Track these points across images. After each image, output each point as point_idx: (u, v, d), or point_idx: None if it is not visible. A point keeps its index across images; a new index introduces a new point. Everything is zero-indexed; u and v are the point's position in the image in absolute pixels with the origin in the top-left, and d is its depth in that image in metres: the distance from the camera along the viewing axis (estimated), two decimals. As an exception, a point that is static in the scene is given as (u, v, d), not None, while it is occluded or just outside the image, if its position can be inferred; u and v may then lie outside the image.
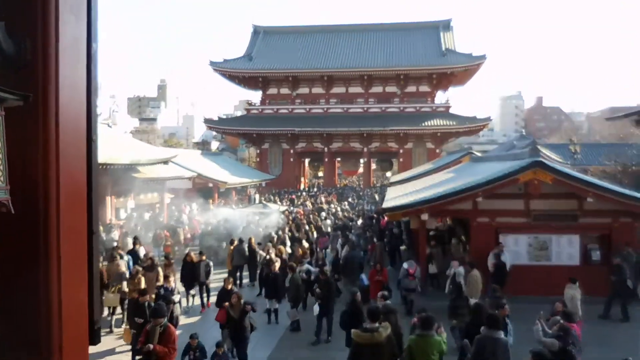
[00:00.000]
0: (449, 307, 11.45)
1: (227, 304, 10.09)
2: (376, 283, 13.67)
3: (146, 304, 10.14)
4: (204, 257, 14.54)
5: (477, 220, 15.37)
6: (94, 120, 2.28)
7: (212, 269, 14.50)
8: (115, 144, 22.10)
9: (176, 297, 11.49)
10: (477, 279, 13.02)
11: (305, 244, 18.15)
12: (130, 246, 16.89)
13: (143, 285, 12.29)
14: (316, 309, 11.87)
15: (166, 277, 12.01)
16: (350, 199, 38.60)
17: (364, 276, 14.84)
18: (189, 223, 25.19)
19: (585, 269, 14.77)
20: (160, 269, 13.27)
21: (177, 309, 11.31)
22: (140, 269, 12.88)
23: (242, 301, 9.98)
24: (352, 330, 7.08)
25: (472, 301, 12.05)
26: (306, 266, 14.10)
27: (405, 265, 15.07)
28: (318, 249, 21.82)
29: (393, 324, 7.60)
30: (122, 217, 24.26)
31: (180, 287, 13.52)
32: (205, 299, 14.55)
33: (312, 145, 52.41)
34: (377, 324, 6.97)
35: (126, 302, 12.13)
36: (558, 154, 46.48)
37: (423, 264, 15.70)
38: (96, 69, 2.28)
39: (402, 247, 18.23)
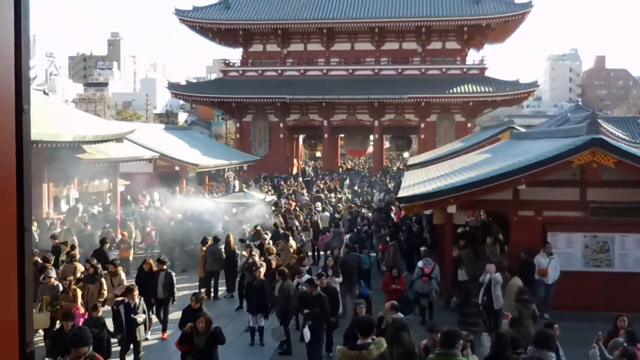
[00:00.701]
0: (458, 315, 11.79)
1: (190, 327, 9.70)
2: (392, 293, 13.82)
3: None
4: (164, 266, 14.09)
5: (519, 215, 15.44)
6: (25, 85, 2.25)
7: (174, 281, 14.01)
8: (53, 116, 22.00)
9: (140, 317, 11.30)
10: (518, 290, 13.09)
11: (292, 243, 18.38)
12: (77, 248, 16.93)
13: (79, 301, 12.17)
14: (306, 333, 11.61)
15: (129, 290, 11.49)
16: (356, 186, 38.70)
17: (363, 283, 15.00)
18: (149, 217, 25.25)
19: (657, 277, 14.93)
20: (103, 280, 13.25)
21: (141, 332, 11.29)
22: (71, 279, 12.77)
23: (213, 326, 9.57)
24: (338, 347, 7.24)
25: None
26: (307, 277, 13.95)
27: (420, 263, 15.45)
28: (319, 251, 22.21)
29: (405, 343, 7.66)
30: (62, 209, 24.26)
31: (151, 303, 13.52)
32: (164, 323, 14.03)
33: (307, 117, 52.43)
34: (369, 339, 7.09)
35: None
36: (624, 130, 46.49)
37: (449, 270, 15.79)
38: (27, 19, 2.25)
39: (423, 248, 18.31)
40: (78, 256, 15.65)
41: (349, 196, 35.15)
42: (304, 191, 36.21)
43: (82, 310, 12.22)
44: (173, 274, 14.26)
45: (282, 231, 20.15)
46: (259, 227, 20.70)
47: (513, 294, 12.97)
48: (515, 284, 13.21)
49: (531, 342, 7.77)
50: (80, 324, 11.12)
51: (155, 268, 14.13)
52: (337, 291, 13.40)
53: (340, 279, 14.38)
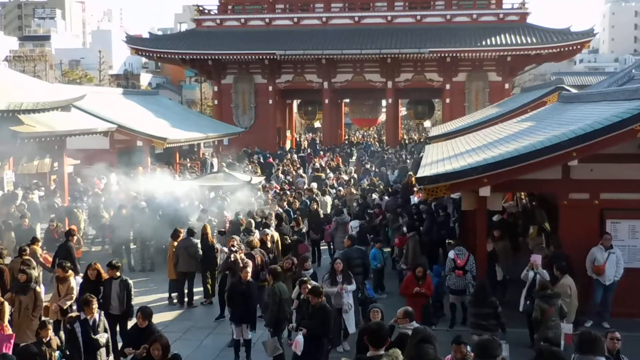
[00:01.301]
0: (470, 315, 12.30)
1: (144, 349, 9.25)
2: (415, 298, 13.91)
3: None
4: (118, 272, 13.72)
5: (570, 198, 15.49)
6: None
7: (132, 291, 13.67)
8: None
9: (102, 337, 11.20)
10: (571, 291, 13.14)
11: (272, 233, 18.67)
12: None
13: (6, 318, 11.93)
14: (299, 342, 11.63)
15: (86, 303, 11.27)
16: (367, 164, 38.62)
17: (368, 284, 15.26)
18: (106, 205, 25.26)
19: None
20: (39, 289, 13.10)
21: (103, 357, 11.22)
22: None
23: (171, 353, 9.22)
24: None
25: (565, 327, 12.29)
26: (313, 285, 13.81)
27: (451, 254, 15.75)
28: (318, 247, 22.44)
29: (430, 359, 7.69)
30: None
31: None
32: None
33: (303, 78, 52.32)
34: (381, 352, 7.22)
35: None
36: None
37: (482, 267, 15.84)
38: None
39: (449, 242, 18.39)
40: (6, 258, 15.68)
41: (355, 176, 35.11)
42: (301, 171, 36.16)
43: (8, 330, 11.85)
44: (130, 282, 13.71)
45: (261, 219, 20.41)
46: (240, 216, 20.93)
47: (566, 297, 13.04)
48: (567, 285, 13.26)
49: (575, 348, 7.83)
50: (7, 350, 11.01)
51: (105, 275, 13.72)
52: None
53: (353, 286, 14.35)
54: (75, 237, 17.88)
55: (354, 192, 28.75)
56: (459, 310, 15.64)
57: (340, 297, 13.97)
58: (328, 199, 26.79)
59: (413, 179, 26.07)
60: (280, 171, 36.17)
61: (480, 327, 12.33)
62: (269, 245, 17.91)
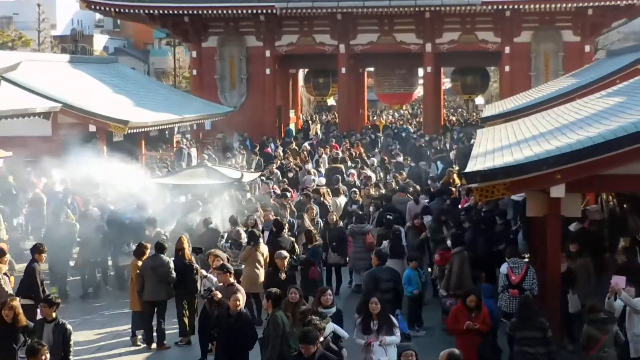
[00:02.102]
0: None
1: None
2: (465, 335, 13.91)
3: None
4: (53, 313, 13.16)
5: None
6: None
7: (70, 340, 13.28)
8: None
9: None
10: (590, 306, 13.51)
11: (263, 250, 19.05)
12: None
13: None
14: None
15: (33, 353, 10.83)
16: (400, 156, 38.30)
17: (400, 316, 15.30)
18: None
19: None
20: None
21: None
22: None
23: None
24: None
25: None
26: (332, 326, 13.49)
27: (503, 267, 16.07)
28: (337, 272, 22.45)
29: None
30: None
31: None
32: None
33: (312, 40, 52.37)
34: None
35: None
36: None
37: (554, 293, 15.85)
38: None
39: (510, 260, 18.34)
40: None
41: (380, 174, 34.64)
42: (309, 166, 35.86)
43: None
44: (69, 327, 13.17)
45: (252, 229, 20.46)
46: (212, 225, 21.56)
47: None
48: None
49: None
50: None
51: (23, 319, 12.91)
52: None
53: (395, 338, 13.75)
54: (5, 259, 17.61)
55: (373, 193, 28.46)
56: None
57: (370, 352, 13.49)
58: (341, 201, 26.79)
59: (455, 176, 26.03)
60: (275, 165, 35.63)
61: (526, 356, 12.86)
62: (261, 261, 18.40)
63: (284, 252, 18.02)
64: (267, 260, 19.05)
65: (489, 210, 22.27)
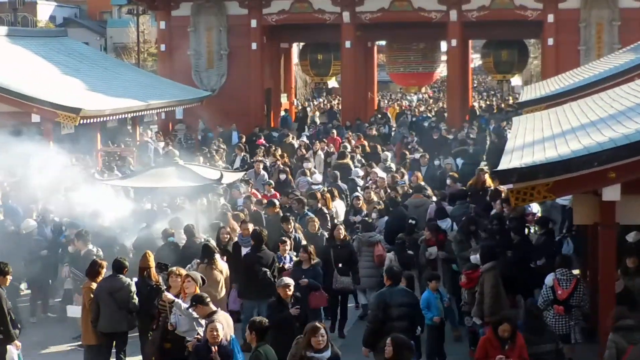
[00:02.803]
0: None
1: None
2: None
3: None
4: None
5: None
6: None
7: None
8: None
9: None
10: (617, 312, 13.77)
11: (223, 267, 19.18)
12: None
13: None
14: None
15: None
16: (418, 153, 38.17)
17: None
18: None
19: None
20: None
21: None
22: None
23: None
24: None
25: None
26: None
27: (549, 279, 16.55)
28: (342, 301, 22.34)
29: None
30: None
31: None
32: None
33: (308, 6, 52.61)
34: None
35: None
36: None
37: (606, 316, 15.88)
38: None
39: (558, 271, 18.47)
40: None
41: (388, 177, 34.27)
42: (309, 165, 35.64)
43: None
44: None
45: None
46: (172, 238, 21.57)
47: None
48: None
49: None
50: None
51: None
52: None
53: None
54: None
55: (374, 198, 28.31)
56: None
57: None
58: (340, 206, 26.86)
59: (487, 176, 26.03)
60: (261, 165, 35.23)
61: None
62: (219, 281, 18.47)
63: (287, 279, 17.48)
64: (228, 280, 19.30)
65: (517, 218, 22.44)
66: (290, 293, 17.08)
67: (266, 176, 33.34)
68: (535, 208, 24.60)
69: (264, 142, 43.43)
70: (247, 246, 21.14)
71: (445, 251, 22.34)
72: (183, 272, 17.27)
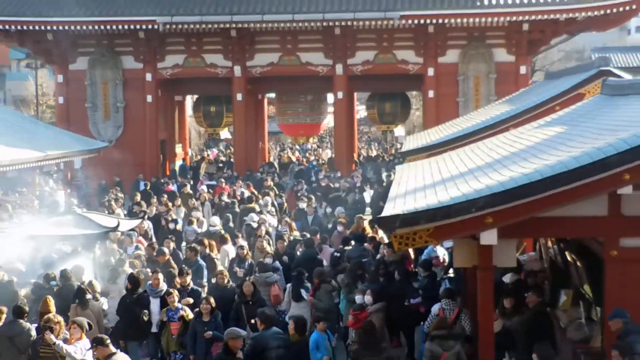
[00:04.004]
0: None
1: None
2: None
3: None
4: None
5: (622, 245, 15.66)
6: None
7: None
8: None
9: None
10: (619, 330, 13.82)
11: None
12: None
13: None
14: None
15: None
16: (304, 201, 38.08)
17: None
18: None
19: None
20: None
21: None
22: None
23: None
24: None
25: None
26: None
27: (435, 308, 17.94)
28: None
29: None
30: None
31: None
32: None
33: (201, 60, 52.68)
34: None
35: None
36: None
37: (485, 351, 16.07)
38: None
39: (444, 302, 18.80)
40: None
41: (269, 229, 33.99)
42: (198, 214, 35.30)
43: None
44: None
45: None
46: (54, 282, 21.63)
47: None
48: None
49: None
50: None
51: None
52: None
53: None
54: None
55: (266, 246, 28.06)
56: None
57: None
58: (232, 250, 26.92)
59: (365, 223, 26.20)
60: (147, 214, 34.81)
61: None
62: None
63: (238, 330, 17.14)
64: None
65: (398, 261, 22.71)
66: (239, 345, 16.71)
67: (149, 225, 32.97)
68: (440, 252, 24.90)
69: (172, 188, 43.42)
70: (156, 297, 21.03)
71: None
72: (60, 318, 17.13)
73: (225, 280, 21.66)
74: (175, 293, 20.20)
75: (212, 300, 19.32)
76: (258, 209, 34.19)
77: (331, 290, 22.52)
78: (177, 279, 21.98)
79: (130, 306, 20.58)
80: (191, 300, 20.70)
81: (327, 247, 26.82)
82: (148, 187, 43.27)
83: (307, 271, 23.14)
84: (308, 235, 27.83)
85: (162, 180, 47.20)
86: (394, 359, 15.87)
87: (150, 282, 21.91)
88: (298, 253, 26.28)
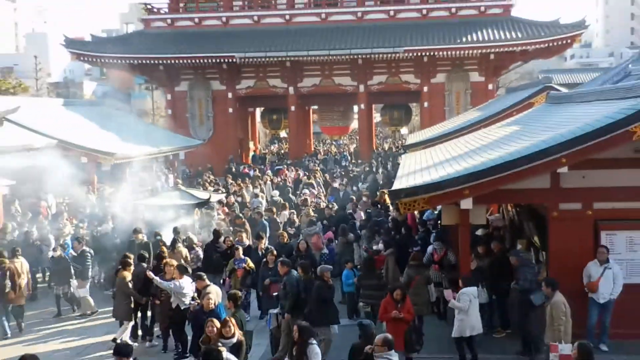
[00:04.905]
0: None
1: None
2: (394, 324, 13.87)
3: None
4: None
5: (560, 208, 15.61)
6: None
7: None
8: None
9: None
10: (563, 310, 13.42)
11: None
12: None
13: None
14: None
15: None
16: (336, 181, 37.84)
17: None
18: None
19: None
20: None
21: None
22: None
23: None
24: None
25: (564, 348, 12.52)
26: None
27: (430, 248, 18.47)
28: None
29: None
30: None
31: None
32: None
33: (266, 83, 52.42)
34: None
35: None
36: None
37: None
38: None
39: (435, 243, 18.82)
40: None
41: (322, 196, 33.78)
42: (257, 191, 34.53)
43: None
44: None
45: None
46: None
47: (558, 315, 13.18)
48: (562, 302, 13.36)
49: None
50: None
51: None
52: None
53: None
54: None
55: (310, 212, 27.77)
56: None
57: None
58: (286, 214, 27.30)
59: (386, 195, 26.16)
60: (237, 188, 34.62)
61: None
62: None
63: (327, 267, 16.39)
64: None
65: (404, 220, 22.69)
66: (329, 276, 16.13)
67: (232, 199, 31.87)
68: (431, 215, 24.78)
69: (247, 171, 43.66)
70: (239, 246, 20.37)
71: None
72: (173, 262, 17.10)
73: (285, 239, 21.03)
74: (240, 249, 19.80)
75: (274, 252, 18.87)
76: (315, 184, 34.90)
77: (345, 243, 22.65)
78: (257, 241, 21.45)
79: (211, 252, 20.62)
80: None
81: (359, 211, 26.72)
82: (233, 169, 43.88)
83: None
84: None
85: (241, 166, 47.27)
86: (386, 285, 15.96)
87: (237, 238, 21.81)
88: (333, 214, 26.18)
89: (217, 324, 12.54)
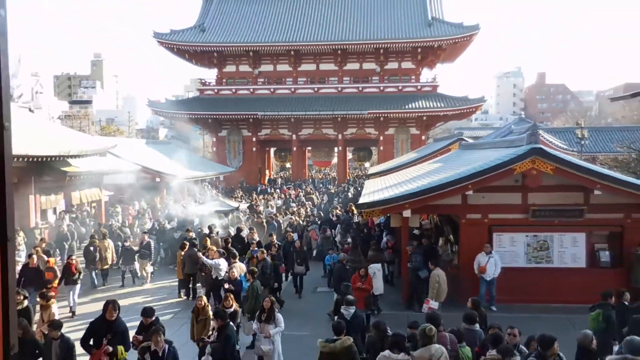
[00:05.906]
0: None
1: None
2: (359, 291, 13.66)
3: None
4: (58, 333, 8.94)
5: (467, 217, 15.61)
6: (6, 102, 2.24)
7: (74, 352, 9.00)
8: (38, 132, 21.63)
9: None
10: (440, 279, 13.62)
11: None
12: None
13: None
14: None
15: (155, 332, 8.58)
16: (316, 197, 37.42)
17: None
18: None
19: (592, 272, 15.18)
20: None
21: None
22: None
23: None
24: (318, 340, 8.22)
25: (432, 303, 12.79)
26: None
27: (385, 239, 18.55)
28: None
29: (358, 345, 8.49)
30: (50, 219, 23.79)
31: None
32: None
33: (277, 132, 52.34)
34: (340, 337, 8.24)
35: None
36: (562, 140, 47.39)
37: (405, 263, 16.05)
38: (5, 40, 2.23)
39: (389, 236, 18.81)
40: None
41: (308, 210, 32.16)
42: (271, 202, 33.83)
43: None
44: (71, 342, 8.95)
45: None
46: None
47: (433, 283, 13.64)
48: (437, 274, 13.64)
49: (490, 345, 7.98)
50: None
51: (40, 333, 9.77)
52: None
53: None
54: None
55: (309, 214, 27.94)
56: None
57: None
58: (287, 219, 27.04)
59: (353, 207, 26.22)
60: (261, 200, 34.55)
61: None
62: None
63: (345, 255, 16.44)
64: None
65: (365, 223, 22.49)
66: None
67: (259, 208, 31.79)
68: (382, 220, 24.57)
69: (265, 188, 43.69)
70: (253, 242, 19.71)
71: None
72: (214, 248, 16.60)
73: (290, 238, 19.72)
74: (255, 242, 18.76)
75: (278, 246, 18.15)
76: (315, 199, 34.95)
77: (324, 237, 22.18)
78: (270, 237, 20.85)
79: (235, 242, 19.27)
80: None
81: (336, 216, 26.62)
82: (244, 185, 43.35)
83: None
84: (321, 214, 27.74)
85: (259, 187, 47.05)
86: (361, 262, 15.43)
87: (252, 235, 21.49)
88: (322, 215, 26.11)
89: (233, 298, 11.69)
